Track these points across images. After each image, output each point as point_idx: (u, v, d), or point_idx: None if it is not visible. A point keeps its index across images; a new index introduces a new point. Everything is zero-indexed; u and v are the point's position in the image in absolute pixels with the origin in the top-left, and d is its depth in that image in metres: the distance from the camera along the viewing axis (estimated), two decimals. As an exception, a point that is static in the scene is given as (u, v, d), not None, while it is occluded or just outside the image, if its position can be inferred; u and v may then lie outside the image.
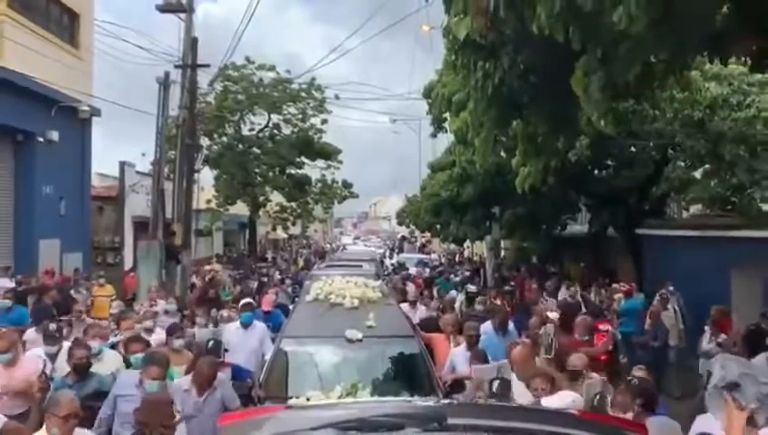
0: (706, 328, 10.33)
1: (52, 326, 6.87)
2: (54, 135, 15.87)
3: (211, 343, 6.72)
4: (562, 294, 13.94)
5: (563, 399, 5.12)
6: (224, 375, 6.18)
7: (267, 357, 7.11)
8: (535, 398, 5.21)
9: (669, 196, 14.80)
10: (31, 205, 15.78)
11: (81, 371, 5.79)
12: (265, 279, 16.88)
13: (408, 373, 6.39)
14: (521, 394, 5.49)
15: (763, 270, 11.62)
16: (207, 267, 18.61)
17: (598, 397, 5.00)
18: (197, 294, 13.10)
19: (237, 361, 7.22)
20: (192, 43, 17.54)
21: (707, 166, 13.86)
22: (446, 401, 2.89)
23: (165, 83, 17.22)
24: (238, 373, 6.84)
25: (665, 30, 4.35)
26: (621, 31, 3.89)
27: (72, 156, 17.26)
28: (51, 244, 16.23)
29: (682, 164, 13.53)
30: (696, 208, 16.57)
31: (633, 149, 15.90)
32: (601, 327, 8.79)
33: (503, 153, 14.11)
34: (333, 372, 6.13)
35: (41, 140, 15.62)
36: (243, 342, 7.95)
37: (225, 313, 10.23)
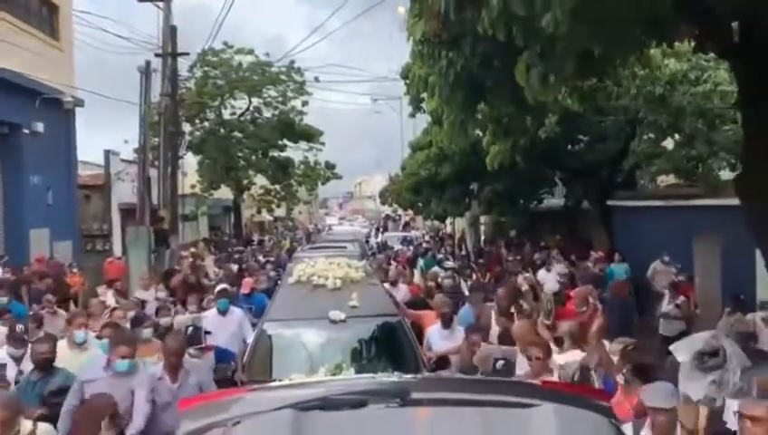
0: (666, 291, 11.15)
1: (20, 327, 6.63)
2: (40, 126, 16.25)
3: (190, 329, 6.61)
4: (557, 268, 14.51)
5: (574, 356, 5.43)
6: (200, 362, 6.13)
7: (249, 341, 7.08)
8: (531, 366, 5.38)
9: (639, 168, 15.53)
10: (19, 196, 16.21)
11: (44, 366, 5.55)
12: (245, 265, 16.64)
13: (393, 352, 6.36)
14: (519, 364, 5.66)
15: (722, 236, 12.38)
16: (185, 253, 18.23)
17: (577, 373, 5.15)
18: (179, 280, 12.76)
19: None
20: (171, 32, 17.96)
21: (678, 137, 14.59)
22: (410, 376, 2.90)
23: (146, 72, 17.65)
24: (222, 356, 6.78)
25: (594, 30, 5.00)
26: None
27: (57, 146, 17.67)
28: (40, 233, 16.70)
29: (647, 138, 14.22)
30: (665, 179, 17.35)
31: (603, 124, 16.62)
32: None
33: (478, 132, 14.76)
34: (317, 354, 6.09)
35: (26, 131, 16.00)
36: (221, 328, 7.78)
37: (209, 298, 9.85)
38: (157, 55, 17.79)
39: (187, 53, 19.20)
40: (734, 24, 7.77)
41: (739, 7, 6.50)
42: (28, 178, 16.40)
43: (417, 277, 14.40)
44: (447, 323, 7.42)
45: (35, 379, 5.54)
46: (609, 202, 17.61)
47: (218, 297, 8.52)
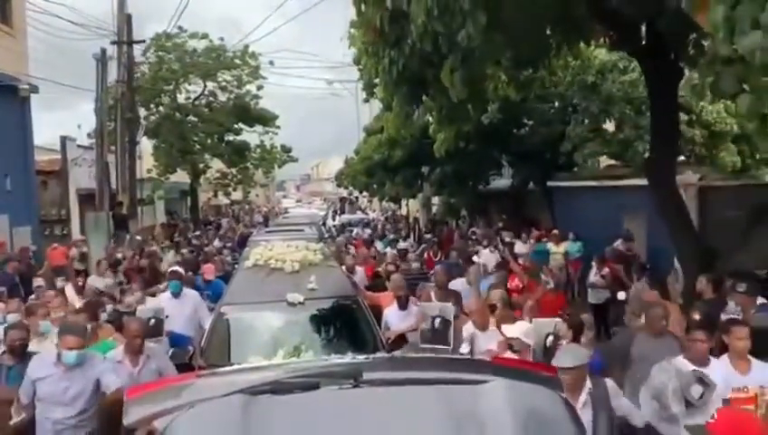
0: (593, 263, 12.35)
1: None
2: (-6, 114, 16.52)
3: (152, 321, 6.52)
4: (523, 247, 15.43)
5: (520, 328, 5.79)
6: (157, 346, 6.06)
7: (206, 326, 7.03)
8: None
9: (576, 151, 16.77)
10: (-23, 182, 16.49)
11: (19, 353, 5.62)
12: (203, 251, 16.18)
13: (352, 333, 6.39)
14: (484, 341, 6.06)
15: (647, 213, 13.63)
16: (139, 238, 17.91)
17: (551, 338, 5.48)
18: (132, 265, 12.72)
19: (174, 330, 7.12)
20: (127, 20, 18.34)
21: (609, 122, 15.81)
22: (362, 356, 2.85)
23: (102, 60, 18.04)
24: (177, 341, 6.68)
25: (509, 39, 5.98)
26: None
27: (14, 133, 17.84)
28: (0, 219, 17.00)
29: (581, 123, 15.38)
30: (606, 161, 18.63)
31: (547, 109, 17.76)
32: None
33: (428, 117, 15.71)
34: (276, 337, 6.06)
35: (-18, 119, 16.26)
36: (176, 312, 7.64)
37: (162, 285, 9.75)
38: (113, 43, 18.15)
39: (143, 41, 19.57)
40: (643, 27, 8.91)
41: (644, 13, 7.60)
42: (-15, 165, 16.66)
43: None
44: (404, 304, 7.50)
45: (10, 364, 5.60)
46: (549, 183, 18.87)
47: (170, 279, 8.44)
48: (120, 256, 14.06)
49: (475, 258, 12.85)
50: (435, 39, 5.60)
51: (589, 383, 4.58)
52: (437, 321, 5.88)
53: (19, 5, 18.57)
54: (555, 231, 15.80)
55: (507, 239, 15.96)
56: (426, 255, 15.31)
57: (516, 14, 5.82)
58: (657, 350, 5.39)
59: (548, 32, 7.70)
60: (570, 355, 4.61)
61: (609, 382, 4.74)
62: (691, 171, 13.09)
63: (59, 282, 11.56)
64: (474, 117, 12.64)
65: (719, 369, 4.83)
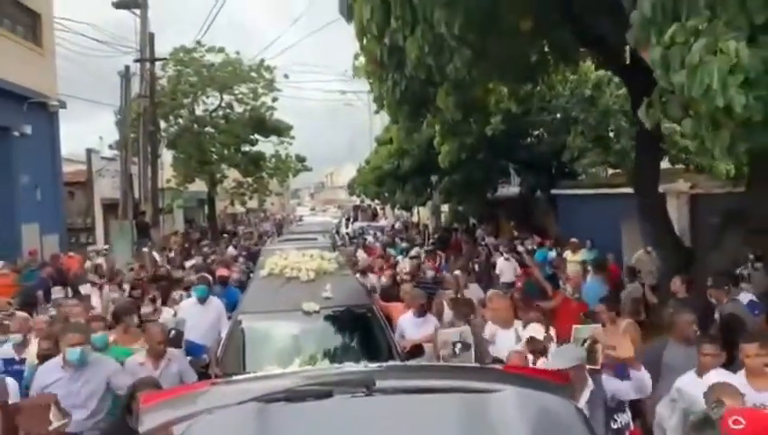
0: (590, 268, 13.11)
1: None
2: (28, 129, 17.61)
3: (172, 332, 6.45)
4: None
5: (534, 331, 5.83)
6: (179, 351, 6.07)
7: (224, 334, 7.00)
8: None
9: (576, 160, 17.56)
10: (11, 193, 17.56)
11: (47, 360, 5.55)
12: (211, 258, 15.95)
13: (367, 342, 6.36)
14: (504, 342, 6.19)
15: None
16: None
17: (588, 342, 5.15)
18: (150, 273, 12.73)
19: (194, 337, 7.03)
20: (150, 39, 19.44)
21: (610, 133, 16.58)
22: (376, 364, 2.90)
23: (126, 76, 19.15)
24: (193, 350, 6.66)
25: (497, 67, 6.87)
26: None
27: (43, 146, 19.02)
28: (31, 228, 18.09)
29: (580, 134, 16.18)
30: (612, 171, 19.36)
31: (551, 120, 18.58)
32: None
33: (435, 127, 16.57)
34: (291, 346, 6.08)
35: (16, 133, 17.35)
36: (200, 317, 7.67)
37: (176, 294, 9.74)
38: (136, 61, 19.25)
39: (165, 59, 20.63)
40: (627, 48, 9.75)
41: (623, 37, 8.43)
42: (18, 177, 17.75)
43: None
44: (421, 312, 7.46)
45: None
46: (553, 191, 19.68)
47: (198, 283, 8.37)
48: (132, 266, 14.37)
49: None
50: (428, 70, 6.48)
51: (590, 382, 4.55)
52: (458, 347, 5.80)
53: (48, 26, 19.76)
54: (573, 239, 15.44)
55: (529, 247, 16.20)
56: (427, 261, 15.03)
57: (500, 46, 6.70)
58: (689, 359, 5.22)
59: (534, 57, 8.52)
60: (563, 356, 4.53)
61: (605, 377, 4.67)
62: (683, 180, 13.83)
63: (83, 289, 11.53)
64: (476, 130, 13.56)
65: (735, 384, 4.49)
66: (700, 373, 4.84)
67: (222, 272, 10.67)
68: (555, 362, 4.49)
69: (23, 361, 6.19)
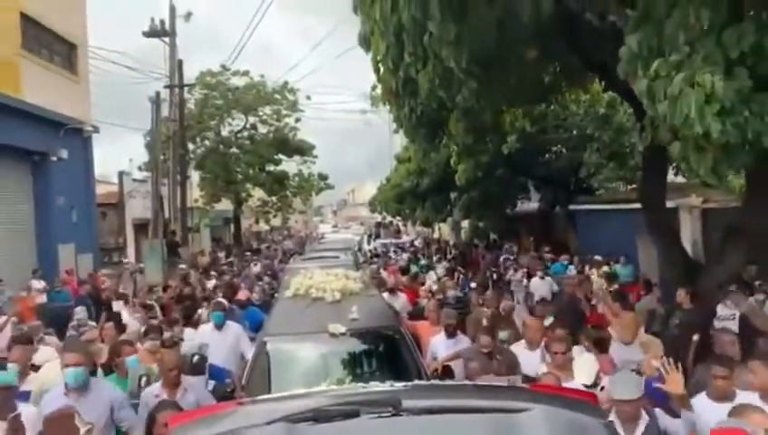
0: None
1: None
2: (64, 153, 18.55)
3: (196, 358, 6.39)
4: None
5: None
6: (196, 379, 5.97)
7: (248, 356, 6.92)
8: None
9: (593, 176, 17.99)
10: (48, 215, 18.49)
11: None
12: (225, 277, 15.80)
13: (395, 364, 6.23)
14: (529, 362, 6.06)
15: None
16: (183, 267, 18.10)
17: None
18: (173, 294, 12.69)
19: (215, 362, 6.91)
20: (178, 66, 20.40)
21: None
22: (402, 384, 2.89)
23: (156, 102, 20.09)
24: (216, 375, 6.52)
25: (505, 93, 7.47)
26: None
27: (78, 170, 19.98)
28: (67, 248, 18.98)
29: (595, 151, 16.68)
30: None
31: (568, 137, 19.06)
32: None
33: (452, 147, 17.16)
34: (318, 369, 5.98)
35: (53, 158, 18.28)
36: (218, 343, 7.56)
37: (205, 313, 9.47)
38: (166, 87, 20.20)
39: (193, 84, 21.61)
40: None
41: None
42: (55, 199, 18.67)
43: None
44: (453, 333, 7.38)
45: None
46: (571, 206, 20.12)
47: (214, 310, 8.24)
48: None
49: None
50: (439, 100, 7.10)
51: (645, 415, 4.38)
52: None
53: (83, 56, 20.84)
54: (597, 257, 15.12)
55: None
56: (447, 280, 14.36)
57: (506, 75, 7.29)
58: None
59: (547, 79, 9.07)
60: (627, 386, 4.31)
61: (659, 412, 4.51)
62: (695, 195, 14.22)
63: (114, 305, 11.69)
64: (491, 149, 14.12)
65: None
66: (721, 398, 4.51)
67: (240, 297, 10.48)
68: (616, 391, 4.29)
69: (25, 393, 5.75)
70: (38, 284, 16.11)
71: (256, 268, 18.77)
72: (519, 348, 6.61)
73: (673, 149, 5.94)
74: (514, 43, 6.67)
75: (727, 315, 8.19)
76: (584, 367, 5.53)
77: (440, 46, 5.83)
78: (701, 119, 5.03)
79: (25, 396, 5.60)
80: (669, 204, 14.53)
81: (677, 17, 5.37)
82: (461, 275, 15.69)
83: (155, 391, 5.42)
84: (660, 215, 10.21)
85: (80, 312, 9.88)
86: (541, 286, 13.08)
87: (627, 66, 5.66)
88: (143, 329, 8.47)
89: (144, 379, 5.93)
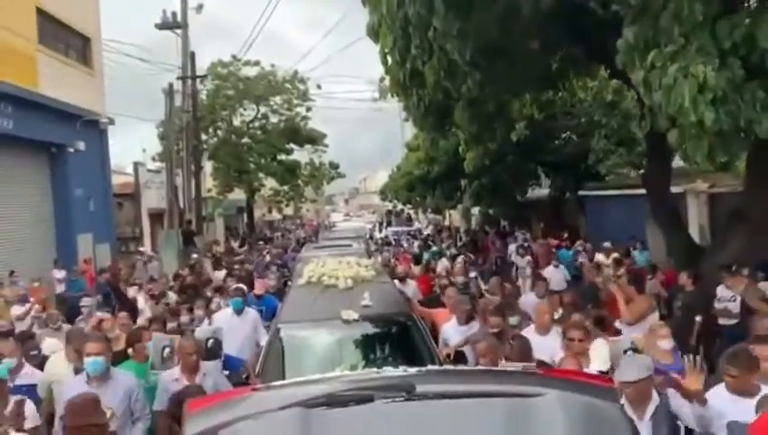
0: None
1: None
2: (81, 145, 18.95)
3: (211, 341, 6.38)
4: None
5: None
6: (214, 363, 6.04)
7: (262, 344, 6.93)
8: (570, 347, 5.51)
9: (601, 162, 18.15)
10: (66, 205, 18.92)
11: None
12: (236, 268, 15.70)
13: (408, 351, 6.24)
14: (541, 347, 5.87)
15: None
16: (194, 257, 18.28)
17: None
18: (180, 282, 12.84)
19: (231, 349, 6.98)
20: (191, 58, 20.71)
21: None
22: (415, 369, 2.82)
23: (170, 93, 20.44)
24: (230, 364, 6.60)
25: (500, 86, 7.72)
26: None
27: (95, 161, 20.39)
28: (85, 237, 19.43)
29: (603, 137, 16.83)
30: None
31: (577, 123, 19.20)
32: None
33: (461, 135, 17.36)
34: (331, 355, 6.04)
35: (71, 150, 18.69)
36: (236, 329, 7.59)
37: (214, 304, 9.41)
38: (179, 78, 20.53)
39: (205, 76, 21.94)
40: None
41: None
42: (73, 190, 19.09)
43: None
44: (466, 319, 7.33)
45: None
46: (581, 192, 20.30)
47: (234, 295, 8.28)
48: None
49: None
50: (445, 91, 7.35)
51: (656, 396, 4.38)
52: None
53: (97, 48, 21.21)
54: (607, 243, 14.95)
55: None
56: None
57: (510, 66, 7.54)
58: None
59: (555, 66, 9.28)
60: (633, 367, 4.32)
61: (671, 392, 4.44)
62: (701, 180, 14.37)
63: (130, 291, 11.88)
64: (499, 136, 14.30)
65: None
66: (734, 391, 4.30)
67: (258, 290, 10.18)
68: (620, 373, 4.30)
69: (29, 388, 5.78)
70: (59, 273, 16.64)
71: (268, 258, 18.68)
72: (530, 333, 6.57)
73: (671, 137, 6.17)
74: (518, 36, 6.90)
75: (728, 297, 8.42)
76: (599, 352, 5.53)
77: (445, 40, 6.08)
78: (695, 108, 5.27)
79: (31, 393, 5.63)
80: (676, 189, 14.77)
81: (672, 10, 5.58)
82: (468, 261, 15.59)
83: (174, 375, 5.52)
84: (664, 200, 10.42)
85: (87, 301, 10.04)
86: (554, 275, 12.83)
87: (624, 57, 5.90)
88: (149, 318, 8.68)
89: (167, 350, 6.08)
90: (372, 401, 2.28)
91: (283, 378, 5.24)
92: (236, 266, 16.07)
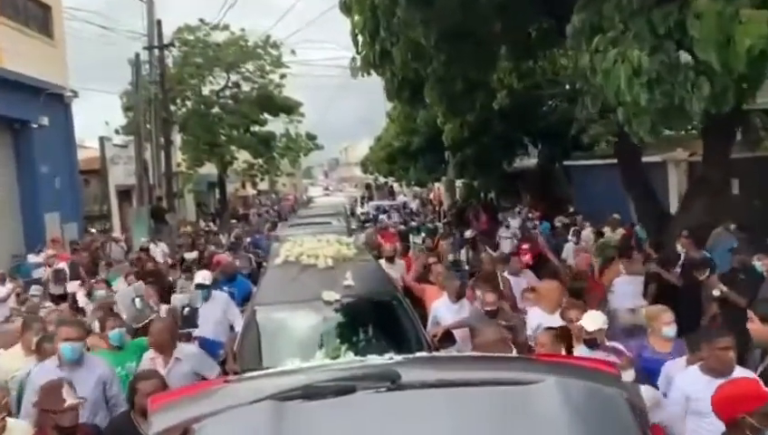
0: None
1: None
2: (45, 120, 19.76)
3: (186, 309, 6.63)
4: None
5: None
6: (191, 347, 6.19)
7: (237, 327, 7.09)
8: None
9: (583, 132, 19.22)
10: (32, 184, 19.74)
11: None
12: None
13: (394, 331, 6.34)
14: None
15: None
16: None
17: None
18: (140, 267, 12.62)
19: (204, 335, 7.17)
20: (157, 26, 21.55)
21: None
22: (401, 356, 2.79)
23: (136, 63, 21.30)
24: (208, 347, 6.68)
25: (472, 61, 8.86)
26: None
27: (60, 136, 21.18)
28: (52, 217, 20.30)
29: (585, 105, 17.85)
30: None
31: (557, 93, 20.22)
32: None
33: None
34: (312, 338, 6.07)
35: (34, 126, 19.47)
36: (206, 315, 7.73)
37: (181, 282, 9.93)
38: (145, 48, 21.38)
39: (173, 44, 22.71)
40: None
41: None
42: (38, 168, 19.90)
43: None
44: (457, 297, 7.51)
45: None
46: (566, 162, 21.51)
47: (197, 288, 8.20)
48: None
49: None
50: (414, 71, 8.47)
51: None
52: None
53: (58, 17, 21.94)
54: (616, 215, 14.96)
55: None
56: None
57: (476, 48, 8.67)
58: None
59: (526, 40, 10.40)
60: (591, 319, 5.45)
61: (650, 391, 4.49)
62: (681, 148, 15.61)
63: (69, 286, 12.15)
64: (479, 107, 15.40)
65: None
66: (719, 372, 4.46)
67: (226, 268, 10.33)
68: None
69: None
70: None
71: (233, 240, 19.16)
72: (537, 313, 6.93)
73: (618, 114, 7.37)
74: (482, 19, 8.04)
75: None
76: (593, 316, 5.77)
77: (408, 29, 7.18)
78: (630, 89, 6.46)
79: None
80: (656, 158, 16.02)
81: (615, -2, 6.74)
82: (456, 236, 16.54)
83: (150, 355, 5.75)
84: (634, 170, 11.68)
85: (35, 290, 10.56)
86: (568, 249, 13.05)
87: (572, 41, 7.06)
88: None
89: (138, 299, 6.46)
90: (354, 391, 2.27)
91: (261, 364, 5.55)
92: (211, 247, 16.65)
